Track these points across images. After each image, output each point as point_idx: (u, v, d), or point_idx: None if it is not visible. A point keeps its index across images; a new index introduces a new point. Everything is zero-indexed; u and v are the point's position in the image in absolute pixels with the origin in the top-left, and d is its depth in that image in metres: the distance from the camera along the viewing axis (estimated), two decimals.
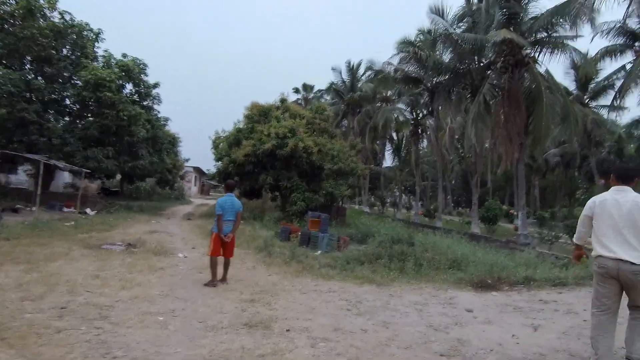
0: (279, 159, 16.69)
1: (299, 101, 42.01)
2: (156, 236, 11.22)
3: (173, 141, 29.65)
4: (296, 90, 45.77)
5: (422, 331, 4.39)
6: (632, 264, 3.28)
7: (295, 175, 16.89)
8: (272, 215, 17.79)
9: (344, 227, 16.04)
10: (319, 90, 43.67)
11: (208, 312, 4.73)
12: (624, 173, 3.64)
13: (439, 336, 4.25)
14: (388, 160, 39.34)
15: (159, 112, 22.63)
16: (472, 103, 17.31)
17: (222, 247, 6.27)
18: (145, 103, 20.90)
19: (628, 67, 26.33)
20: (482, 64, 18.72)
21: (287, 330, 4.20)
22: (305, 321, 4.55)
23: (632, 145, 34.47)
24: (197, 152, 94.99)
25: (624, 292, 3.50)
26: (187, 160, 41.09)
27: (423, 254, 9.25)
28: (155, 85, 21.38)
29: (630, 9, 26.21)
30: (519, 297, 6.02)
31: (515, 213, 27.43)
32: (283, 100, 19.73)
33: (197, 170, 51.20)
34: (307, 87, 45.25)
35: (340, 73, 35.54)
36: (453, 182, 60.02)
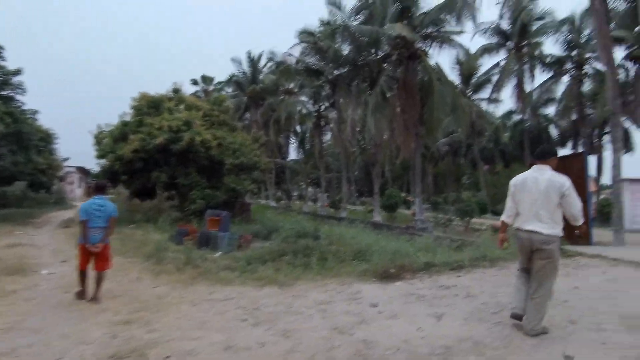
0: (174, 155, 15.31)
1: (198, 94, 39.68)
2: (17, 250, 9.34)
3: (47, 138, 25.79)
4: (194, 82, 43.21)
5: (326, 336, 3.97)
6: (541, 233, 3.72)
7: (194, 171, 15.66)
8: (169, 217, 16.34)
9: (249, 223, 15.30)
10: (220, 82, 41.72)
11: (66, 345, 3.77)
12: (541, 153, 4.03)
13: (343, 340, 3.87)
14: (294, 154, 39.28)
15: (24, 103, 19.37)
16: (371, 95, 17.70)
17: (92, 259, 5.25)
18: (3, 93, 17.64)
19: (502, 63, 29.64)
20: (379, 57, 19.26)
21: (167, 358, 3.47)
22: (191, 341, 3.85)
23: (506, 134, 38.87)
24: (81, 150, 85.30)
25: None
26: (66, 159, 36.39)
27: (328, 247, 9.02)
28: (17, 72, 18.16)
29: (502, 10, 29.39)
30: (421, 284, 5.98)
31: (412, 200, 29.20)
32: (176, 91, 18.17)
33: (81, 170, 45.76)
34: (206, 79, 42.94)
35: (241, 64, 34.34)
36: (356, 173, 62.52)
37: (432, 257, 7.62)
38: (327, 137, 31.83)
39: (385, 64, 18.44)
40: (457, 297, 5.20)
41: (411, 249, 8.83)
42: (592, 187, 18.07)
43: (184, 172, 15.48)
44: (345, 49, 21.13)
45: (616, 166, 8.96)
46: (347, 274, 6.72)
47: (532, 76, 29.36)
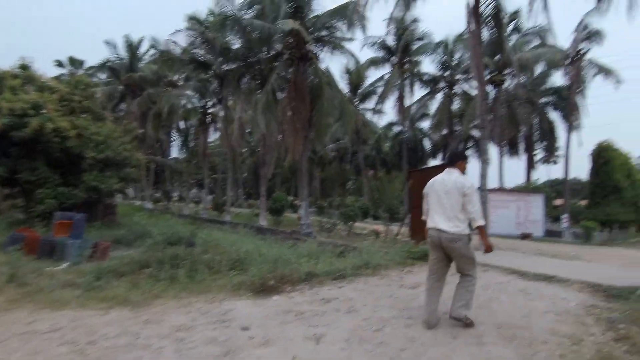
0: (17, 144, 12.59)
1: (64, 77, 34.41)
2: None
3: None
4: (59, 64, 37.56)
5: None
6: (448, 232, 3.92)
7: (43, 165, 13.05)
8: (8, 219, 13.43)
9: (112, 228, 13.29)
10: (91, 67, 36.80)
11: None
12: (450, 157, 4.40)
13: None
14: (176, 152, 36.40)
15: None
16: (261, 93, 16.98)
17: None
18: None
19: (386, 77, 31.54)
20: (270, 55, 18.65)
21: None
22: None
23: (387, 144, 41.58)
24: None
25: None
26: None
27: (202, 255, 7.99)
28: None
29: (389, 27, 31.22)
30: (301, 298, 5.41)
31: (300, 203, 29.22)
32: (24, 67, 15.07)
33: None
34: (74, 62, 37.61)
35: (116, 48, 30.68)
36: (245, 174, 61.05)
37: (315, 265, 7.18)
38: (215, 135, 30.19)
39: (276, 63, 17.88)
40: (339, 313, 4.73)
41: (294, 256, 8.30)
42: None
43: (30, 165, 12.81)
44: (236, 43, 20.08)
45: (484, 176, 9.70)
46: (219, 289, 5.84)
47: (412, 91, 31.83)
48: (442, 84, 30.68)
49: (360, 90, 34.23)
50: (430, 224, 4.15)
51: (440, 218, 4.01)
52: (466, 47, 27.67)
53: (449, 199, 3.99)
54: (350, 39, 17.27)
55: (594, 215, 21.70)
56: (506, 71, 25.56)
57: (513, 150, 31.40)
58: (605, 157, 21.84)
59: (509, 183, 31.12)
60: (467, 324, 3.96)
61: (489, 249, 4.06)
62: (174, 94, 26.16)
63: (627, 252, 16.69)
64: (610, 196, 21.78)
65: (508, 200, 21.26)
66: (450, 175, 4.11)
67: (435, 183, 4.18)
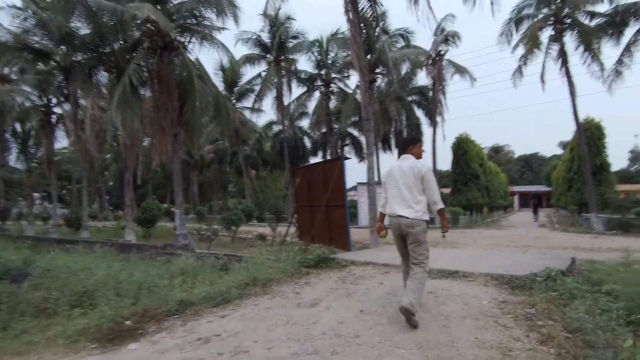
0: None
1: None
2: None
3: None
4: None
5: None
6: (407, 217, 3.90)
7: None
8: None
9: None
10: None
11: None
12: (402, 144, 4.43)
13: None
14: (13, 159, 29.97)
15: None
16: (117, 86, 14.44)
17: None
18: None
19: (263, 74, 30.60)
20: (127, 43, 16.08)
21: None
22: None
23: (268, 144, 40.76)
24: None
25: None
26: None
27: (33, 293, 6.00)
28: None
29: (264, 24, 30.29)
30: (170, 341, 4.05)
31: (175, 210, 26.58)
32: None
33: None
34: None
35: None
36: (111, 183, 54.18)
37: (191, 287, 5.84)
38: (66, 138, 25.47)
39: (135, 52, 15.45)
40: (222, 357, 3.55)
41: (164, 279, 6.78)
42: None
43: None
44: (83, 29, 16.93)
45: (371, 169, 9.37)
46: (47, 343, 4.14)
47: (290, 89, 31.46)
48: (318, 82, 30.94)
49: (236, 88, 32.69)
50: (389, 211, 4.12)
51: (400, 205, 3.99)
52: (340, 46, 28.35)
53: (407, 185, 3.98)
54: (221, 29, 15.77)
55: (457, 201, 23.91)
56: (377, 70, 26.79)
57: (385, 145, 33.31)
58: (463, 148, 24.23)
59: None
60: (414, 326, 3.69)
61: (447, 229, 4.34)
62: (6, 90, 21.23)
63: (488, 232, 18.66)
64: (470, 183, 24.28)
65: None
66: (406, 162, 4.10)
67: (393, 170, 4.15)
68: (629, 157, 62.12)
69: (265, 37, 30.77)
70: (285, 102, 30.78)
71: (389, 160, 37.00)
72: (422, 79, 40.45)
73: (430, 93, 27.62)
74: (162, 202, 32.34)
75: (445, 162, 68.61)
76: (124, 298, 5.40)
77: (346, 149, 36.58)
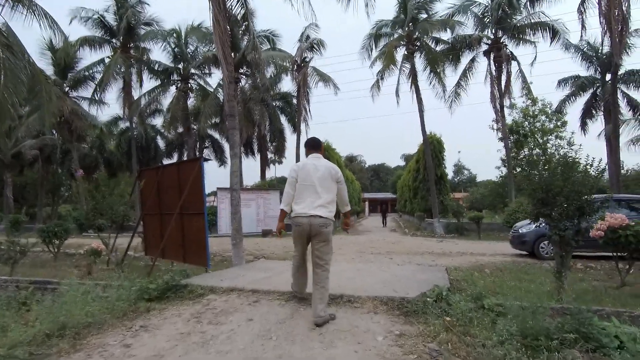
0: None
1: None
2: None
3: None
4: None
5: None
6: (321, 217, 3.83)
7: None
8: None
9: None
10: None
11: None
12: (315, 143, 4.34)
13: None
14: None
15: None
16: None
17: None
18: None
19: (107, 61, 26.30)
20: None
21: None
22: None
23: (113, 142, 35.53)
24: None
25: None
26: None
27: None
28: None
29: (108, 3, 26.15)
30: None
31: None
32: None
33: None
34: None
35: None
36: None
37: None
38: None
39: None
40: None
41: None
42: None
43: None
44: None
45: (235, 172, 8.03)
46: None
47: (141, 82, 27.81)
48: (175, 77, 28.05)
49: (71, 74, 27.41)
50: (300, 210, 3.89)
51: (313, 203, 3.87)
52: (201, 39, 26.16)
53: (324, 185, 3.94)
54: None
55: None
56: (241, 70, 25.47)
57: (248, 149, 32.08)
58: (325, 156, 24.59)
59: (245, 182, 31.66)
60: (330, 319, 3.74)
61: (348, 228, 4.56)
62: None
63: (350, 238, 18.94)
64: None
65: (249, 199, 20.96)
66: (320, 161, 4.10)
67: (307, 167, 4.03)
68: (453, 170, 73.03)
69: (111, 19, 26.67)
70: (135, 96, 27.08)
71: (252, 166, 35.87)
72: (287, 84, 40.53)
73: (295, 100, 27.52)
74: None
75: None
76: None
77: (206, 151, 34.16)
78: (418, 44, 21.48)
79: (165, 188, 9.76)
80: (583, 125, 25.60)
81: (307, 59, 24.07)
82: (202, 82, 28.40)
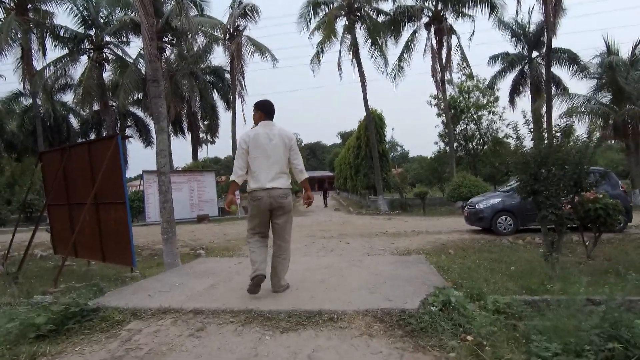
0: None
1: None
2: None
3: None
4: None
5: None
6: (279, 188, 3.64)
7: None
8: None
9: None
10: None
11: None
12: (269, 109, 3.87)
13: None
14: None
15: None
16: None
17: None
18: None
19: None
20: None
21: None
22: None
23: (13, 122, 30.83)
24: None
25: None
26: None
27: None
28: None
29: None
30: None
31: None
32: None
33: None
34: None
35: None
36: None
37: None
38: None
39: None
40: None
41: None
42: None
43: None
44: None
45: (163, 151, 6.47)
46: None
47: (44, 50, 23.94)
48: (87, 45, 24.51)
49: None
50: (256, 185, 3.63)
51: (270, 175, 3.63)
52: (114, 3, 22.97)
53: (277, 155, 3.68)
54: None
55: None
56: (165, 39, 22.85)
57: (177, 128, 29.51)
58: None
59: (176, 163, 29.17)
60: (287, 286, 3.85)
61: (310, 203, 4.07)
62: None
63: (295, 220, 17.93)
64: None
65: (181, 182, 19.05)
66: (272, 129, 3.75)
67: (259, 138, 3.68)
68: (387, 146, 74.82)
69: None
70: (38, 67, 23.29)
71: (183, 145, 33.31)
72: (219, 58, 37.85)
73: (228, 75, 25.43)
74: None
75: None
76: None
77: (128, 130, 30.86)
78: (359, 14, 20.48)
79: (74, 173, 7.93)
80: (512, 101, 26.54)
81: (241, 28, 22.08)
82: (119, 52, 25.14)
